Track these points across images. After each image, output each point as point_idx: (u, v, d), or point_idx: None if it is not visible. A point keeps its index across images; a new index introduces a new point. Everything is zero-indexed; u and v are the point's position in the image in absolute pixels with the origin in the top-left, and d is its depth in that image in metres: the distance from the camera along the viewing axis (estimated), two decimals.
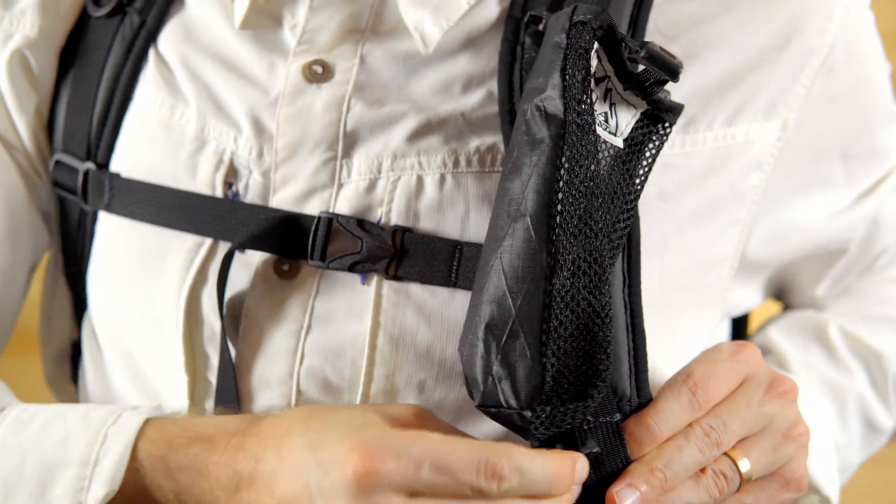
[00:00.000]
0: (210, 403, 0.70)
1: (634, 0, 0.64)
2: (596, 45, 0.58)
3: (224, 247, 0.68)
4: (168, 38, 0.72)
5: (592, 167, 0.57)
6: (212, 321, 0.69)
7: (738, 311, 0.81)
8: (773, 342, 0.81)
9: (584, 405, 0.57)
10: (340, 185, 0.66)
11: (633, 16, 0.64)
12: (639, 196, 0.59)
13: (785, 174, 0.70)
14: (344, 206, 0.65)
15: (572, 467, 0.56)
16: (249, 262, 0.68)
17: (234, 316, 0.68)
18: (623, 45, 0.58)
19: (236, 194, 0.68)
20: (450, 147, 0.64)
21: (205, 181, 0.69)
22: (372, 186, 0.65)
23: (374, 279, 0.65)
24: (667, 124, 0.59)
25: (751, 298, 0.80)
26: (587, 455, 0.58)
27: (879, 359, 0.81)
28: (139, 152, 0.72)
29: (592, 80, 0.58)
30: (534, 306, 0.56)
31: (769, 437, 0.63)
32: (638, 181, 0.59)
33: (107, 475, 0.59)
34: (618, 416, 0.60)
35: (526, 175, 0.57)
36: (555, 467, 0.56)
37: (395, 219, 0.65)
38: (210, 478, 0.58)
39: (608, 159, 0.58)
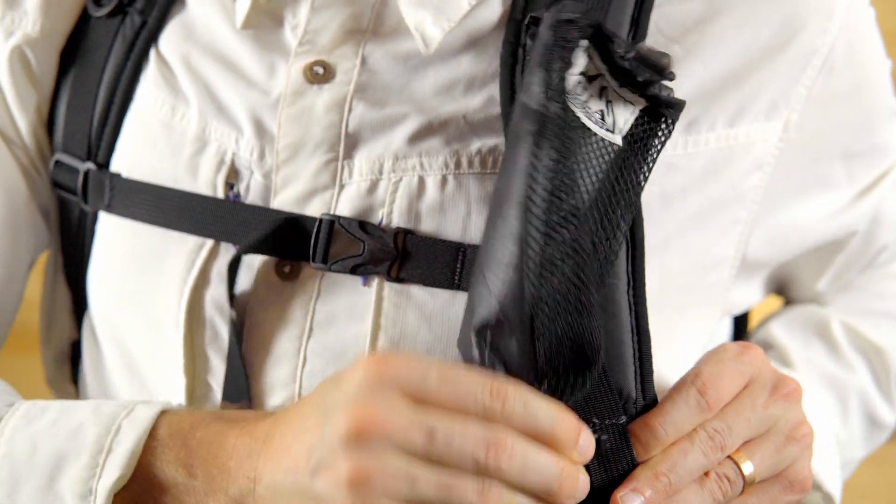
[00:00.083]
0: (209, 407, 0.70)
1: (636, 0, 0.64)
2: (586, 43, 0.59)
3: (226, 248, 0.68)
4: (169, 39, 0.72)
5: (579, 162, 0.57)
6: (213, 323, 0.69)
7: (738, 310, 0.81)
8: (775, 337, 0.82)
9: (581, 382, 0.57)
10: (342, 187, 0.66)
11: (635, 16, 0.64)
12: (640, 192, 0.59)
13: (786, 174, 0.70)
14: (345, 207, 0.65)
15: (577, 425, 0.56)
16: (251, 264, 0.68)
17: (238, 318, 0.68)
18: (612, 43, 0.58)
19: (237, 195, 0.68)
20: (451, 148, 0.64)
21: (206, 182, 0.68)
22: (373, 188, 0.65)
23: (376, 281, 0.65)
24: (669, 121, 0.59)
25: (751, 296, 0.80)
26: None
27: (881, 354, 0.81)
28: (140, 153, 0.72)
29: (584, 78, 0.59)
30: (515, 295, 0.56)
31: (773, 439, 0.63)
32: (641, 178, 0.59)
33: (120, 462, 0.59)
34: (623, 419, 0.60)
35: (508, 170, 0.58)
36: (559, 411, 0.56)
37: (397, 220, 0.64)
38: (227, 447, 0.59)
39: (607, 156, 0.58)
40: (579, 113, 0.58)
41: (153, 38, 0.72)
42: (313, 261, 0.65)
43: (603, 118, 0.59)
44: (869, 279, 0.83)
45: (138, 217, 0.71)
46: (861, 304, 0.83)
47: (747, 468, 0.62)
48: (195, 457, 0.59)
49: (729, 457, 0.62)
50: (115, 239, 0.73)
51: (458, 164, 0.64)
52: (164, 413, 0.62)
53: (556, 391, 0.57)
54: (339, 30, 0.66)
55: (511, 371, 0.56)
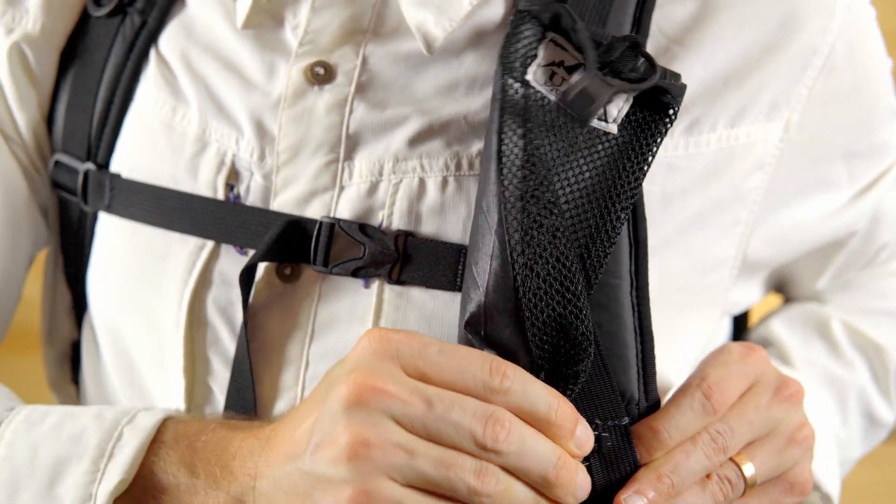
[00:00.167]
0: (209, 410, 0.70)
1: (637, 0, 0.64)
2: (551, 34, 0.59)
3: (227, 249, 0.68)
4: (169, 39, 0.71)
5: (562, 150, 0.57)
6: (214, 325, 0.68)
7: (738, 309, 0.81)
8: (775, 335, 0.82)
9: (575, 373, 0.57)
10: (342, 188, 0.66)
11: (636, 16, 0.64)
12: (642, 181, 0.59)
13: (787, 175, 0.70)
14: (345, 208, 0.65)
15: (574, 414, 0.56)
16: (251, 267, 0.67)
17: (238, 321, 0.68)
18: (571, 33, 0.59)
19: (238, 196, 0.68)
20: (452, 150, 0.64)
21: (206, 183, 0.68)
22: (373, 189, 0.65)
23: (376, 283, 0.65)
24: (671, 108, 0.59)
25: (751, 296, 0.80)
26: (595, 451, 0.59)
27: (881, 352, 0.82)
28: (140, 153, 0.72)
29: (562, 68, 0.59)
30: (500, 284, 0.57)
31: (774, 441, 0.63)
32: (644, 166, 0.59)
33: (121, 467, 0.60)
34: (626, 420, 0.60)
35: (484, 165, 0.59)
36: (557, 396, 0.56)
37: (397, 222, 0.64)
38: (231, 449, 0.59)
39: (601, 145, 0.58)
40: (556, 101, 0.58)
41: (153, 39, 0.72)
42: (314, 263, 0.65)
43: (571, 108, 0.59)
44: (869, 277, 0.83)
45: (138, 218, 0.71)
46: (861, 303, 0.83)
47: (748, 470, 0.62)
48: (199, 457, 0.60)
49: (730, 458, 0.62)
50: (114, 239, 0.73)
51: (458, 166, 0.64)
52: (168, 419, 0.62)
53: (553, 382, 0.57)
54: (339, 30, 0.66)
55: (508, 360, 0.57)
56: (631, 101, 0.59)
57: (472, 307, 0.58)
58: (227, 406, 0.67)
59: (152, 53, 0.72)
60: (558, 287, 0.57)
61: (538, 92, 0.58)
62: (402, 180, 0.65)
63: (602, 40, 0.59)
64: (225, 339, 0.68)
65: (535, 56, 0.59)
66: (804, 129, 0.68)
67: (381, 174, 0.65)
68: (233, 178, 0.68)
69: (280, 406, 0.67)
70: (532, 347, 0.57)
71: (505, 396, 0.55)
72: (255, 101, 0.68)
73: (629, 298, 0.61)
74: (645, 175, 0.58)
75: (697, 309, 0.70)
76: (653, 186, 0.64)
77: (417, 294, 0.64)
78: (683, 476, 0.60)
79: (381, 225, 0.65)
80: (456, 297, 0.63)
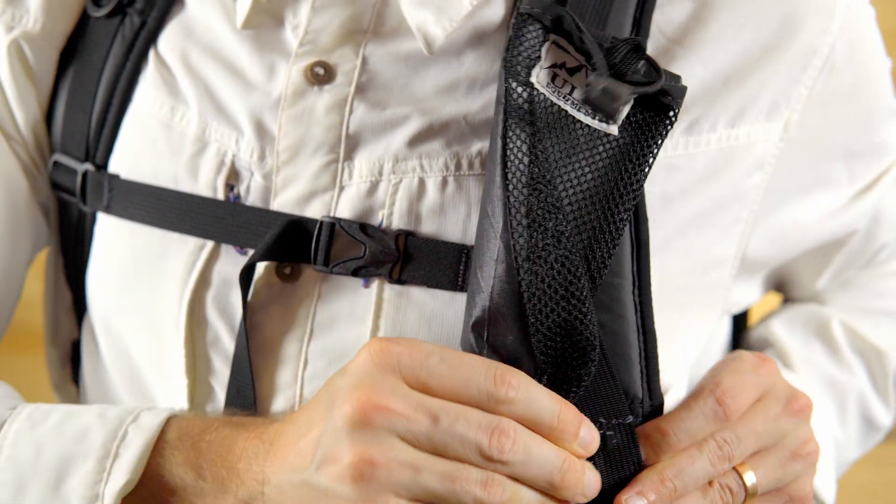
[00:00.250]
0: (210, 408, 0.70)
1: (637, 1, 0.64)
2: (553, 36, 0.59)
3: (226, 249, 0.68)
4: (168, 39, 0.71)
5: (565, 151, 0.58)
6: (214, 324, 0.68)
7: (737, 309, 0.81)
8: (776, 336, 0.82)
9: (579, 375, 0.57)
10: (342, 188, 0.66)
11: (636, 16, 0.64)
12: (643, 182, 0.59)
13: (787, 174, 0.70)
14: (345, 208, 0.65)
15: (578, 417, 0.56)
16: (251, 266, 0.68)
17: (241, 321, 0.68)
18: (572, 36, 0.59)
19: (238, 196, 0.68)
20: (452, 150, 0.64)
21: (206, 183, 0.68)
22: (373, 189, 0.65)
23: (376, 282, 0.65)
24: (671, 110, 0.59)
25: (751, 295, 0.80)
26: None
27: (880, 356, 0.82)
28: (139, 154, 0.72)
29: (565, 70, 0.59)
30: (505, 289, 0.57)
31: (779, 454, 0.64)
32: (645, 167, 0.59)
33: (127, 466, 0.60)
34: (630, 419, 0.60)
35: (489, 168, 0.59)
36: (560, 402, 0.56)
37: (397, 222, 0.64)
38: (236, 450, 0.59)
39: (602, 146, 0.58)
40: (560, 103, 0.58)
41: (152, 39, 0.72)
42: (315, 263, 0.65)
43: (594, 108, 0.59)
44: (869, 277, 0.84)
45: (137, 218, 0.71)
46: (861, 303, 0.83)
47: (749, 478, 0.62)
48: (204, 458, 0.60)
49: (733, 467, 0.62)
50: (114, 240, 0.73)
51: (458, 166, 0.64)
52: (171, 418, 0.62)
53: (556, 385, 0.57)
54: (339, 30, 0.66)
55: (510, 365, 0.57)
56: (631, 102, 0.59)
57: (476, 311, 0.58)
58: (228, 404, 0.67)
59: (151, 54, 0.72)
60: (563, 292, 0.57)
61: (541, 94, 0.59)
62: (402, 180, 0.65)
63: (602, 42, 0.59)
64: (225, 339, 0.68)
65: (539, 58, 0.59)
66: (804, 129, 0.68)
67: (380, 174, 0.65)
68: (233, 178, 0.68)
69: (279, 404, 0.67)
70: (536, 353, 0.57)
71: (509, 406, 0.55)
72: (255, 101, 0.68)
73: (632, 298, 0.62)
74: (647, 176, 0.58)
75: (697, 309, 0.70)
76: (653, 187, 0.64)
77: (417, 293, 0.64)
78: (686, 481, 0.60)
79: (381, 225, 0.65)
80: (456, 297, 0.63)
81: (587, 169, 0.58)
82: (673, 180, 0.65)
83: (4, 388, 0.69)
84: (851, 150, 0.73)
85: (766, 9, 0.66)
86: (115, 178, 0.72)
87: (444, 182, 0.64)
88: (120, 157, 0.72)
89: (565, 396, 0.57)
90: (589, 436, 0.57)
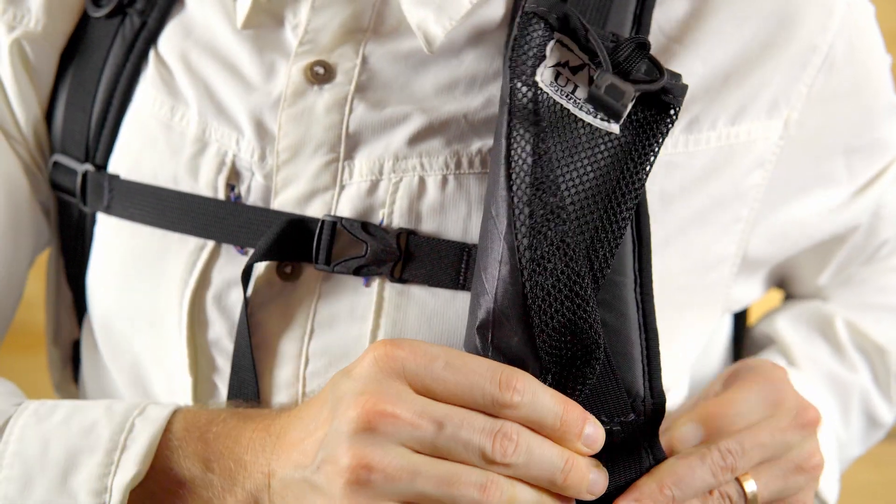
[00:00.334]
0: (214, 405, 0.70)
1: None
2: (558, 35, 0.59)
3: (227, 249, 0.68)
4: (168, 40, 0.72)
5: (567, 150, 0.58)
6: (215, 324, 0.68)
7: (739, 307, 0.81)
8: (780, 333, 0.82)
9: (584, 374, 0.57)
10: (342, 187, 0.66)
11: (637, 14, 0.64)
12: (645, 181, 0.59)
13: (787, 172, 0.70)
14: (346, 207, 0.65)
15: (581, 415, 0.56)
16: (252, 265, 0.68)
17: (239, 319, 0.68)
18: (577, 34, 0.59)
19: (238, 196, 0.68)
20: (452, 149, 0.64)
21: (207, 183, 0.68)
22: (374, 188, 0.65)
23: (377, 281, 0.65)
24: (672, 107, 0.59)
25: (752, 293, 0.80)
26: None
27: (882, 353, 0.82)
28: (139, 154, 0.72)
29: (567, 69, 0.59)
30: (510, 291, 0.57)
31: (782, 466, 0.64)
32: (647, 166, 0.59)
33: (135, 459, 0.60)
34: (632, 416, 0.60)
35: (493, 168, 0.59)
36: (563, 402, 0.56)
37: (398, 220, 0.65)
38: (243, 442, 0.59)
39: (603, 145, 0.58)
40: (563, 102, 0.58)
41: (152, 39, 0.72)
42: (316, 262, 0.65)
43: (596, 106, 0.59)
44: (871, 273, 0.84)
45: (138, 219, 0.71)
46: (863, 299, 0.84)
47: (750, 487, 0.62)
48: (212, 451, 0.60)
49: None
50: (114, 240, 0.73)
51: (458, 165, 0.64)
52: (177, 410, 0.62)
53: (560, 384, 0.57)
54: (339, 29, 0.66)
55: (515, 366, 0.57)
56: (633, 100, 0.59)
57: (481, 313, 0.58)
58: (231, 398, 0.67)
59: (151, 54, 0.72)
60: (567, 292, 0.57)
61: (545, 92, 0.59)
62: (403, 179, 0.65)
63: (604, 41, 0.59)
64: (227, 338, 0.68)
65: (544, 57, 0.59)
66: (804, 127, 0.68)
67: (381, 173, 0.65)
68: (233, 178, 0.68)
69: (280, 401, 0.67)
70: (541, 353, 0.57)
71: (514, 410, 0.55)
72: (255, 101, 0.68)
73: (633, 296, 0.61)
74: (648, 174, 0.58)
75: (698, 308, 0.70)
76: (653, 185, 0.64)
77: (418, 292, 0.64)
78: (685, 490, 0.60)
79: (381, 223, 0.65)
80: (457, 295, 0.64)
81: (589, 168, 0.58)
82: (673, 178, 0.65)
83: (7, 385, 0.69)
84: (852, 148, 0.73)
85: (765, 6, 0.66)
86: (115, 178, 0.72)
87: (445, 181, 0.64)
88: (120, 157, 0.72)
89: (570, 395, 0.57)
90: (594, 434, 0.57)
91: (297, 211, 0.66)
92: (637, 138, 0.58)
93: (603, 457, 0.59)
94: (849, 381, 0.81)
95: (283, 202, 0.66)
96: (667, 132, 0.59)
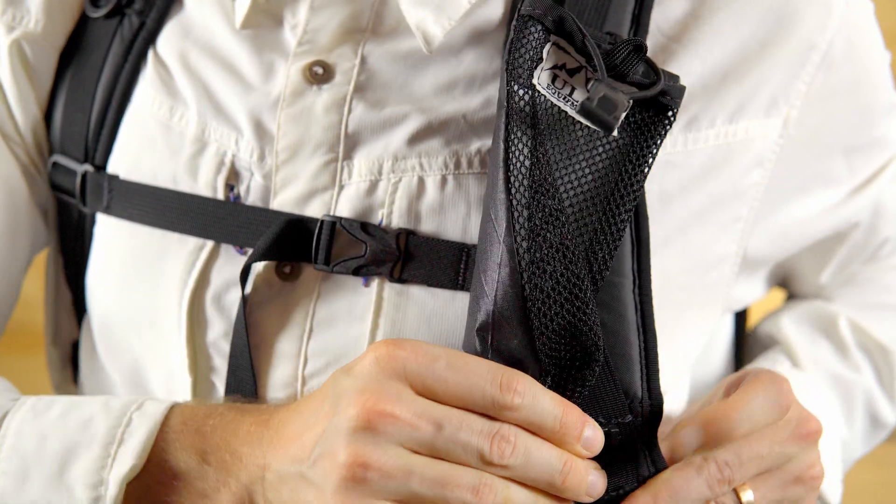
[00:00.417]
0: (215, 402, 0.70)
1: None
2: (554, 37, 0.59)
3: (226, 249, 0.68)
4: (167, 40, 0.72)
5: (565, 152, 0.58)
6: (214, 324, 0.68)
7: (740, 306, 0.81)
8: (784, 334, 0.82)
9: (583, 376, 0.57)
10: (341, 187, 0.66)
11: (636, 13, 0.64)
12: (643, 182, 0.59)
13: (787, 171, 0.70)
14: (345, 207, 0.65)
15: (581, 418, 0.56)
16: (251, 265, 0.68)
17: (237, 318, 0.68)
18: (573, 37, 0.59)
19: (237, 196, 0.68)
20: (451, 149, 0.64)
21: (206, 183, 0.68)
22: (373, 188, 0.65)
23: (376, 281, 0.65)
24: (670, 109, 0.59)
25: (754, 292, 0.80)
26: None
27: (886, 354, 0.82)
28: (138, 154, 0.72)
29: (564, 71, 0.59)
30: (510, 294, 0.57)
31: (781, 476, 0.63)
32: (645, 167, 0.59)
33: (132, 452, 0.60)
34: (629, 418, 0.60)
35: (491, 170, 0.59)
36: (562, 405, 0.56)
37: (397, 220, 0.64)
38: (240, 434, 0.59)
39: (601, 146, 0.58)
40: (560, 104, 0.58)
41: (151, 39, 0.72)
42: (315, 262, 0.65)
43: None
44: (874, 271, 0.84)
45: (137, 219, 0.71)
46: (866, 299, 0.84)
47: (747, 497, 0.62)
48: (208, 443, 0.60)
49: None
50: (113, 241, 0.73)
51: (457, 165, 0.64)
52: (175, 405, 0.62)
53: (560, 387, 0.57)
54: (338, 29, 0.66)
55: (514, 368, 0.57)
56: (631, 103, 0.59)
57: (481, 316, 0.58)
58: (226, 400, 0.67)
59: (150, 54, 0.72)
60: (567, 294, 0.57)
61: (542, 95, 0.59)
62: (402, 179, 0.65)
63: (601, 42, 0.59)
64: (225, 338, 0.68)
65: (541, 60, 0.59)
66: (803, 126, 0.68)
67: (380, 173, 0.65)
68: (233, 178, 0.68)
69: (278, 401, 0.66)
70: (541, 355, 0.57)
71: (514, 412, 0.55)
72: (254, 101, 0.68)
73: (632, 296, 0.61)
74: (646, 176, 0.58)
75: (698, 308, 0.70)
76: (651, 185, 0.64)
77: (417, 292, 0.64)
78: (681, 503, 0.60)
79: (381, 224, 0.65)
80: (456, 296, 0.64)
81: (587, 170, 0.58)
82: (671, 178, 0.65)
83: (3, 382, 0.69)
84: (851, 146, 0.73)
85: (764, 4, 0.66)
86: (115, 178, 0.72)
87: (444, 181, 0.64)
88: (119, 157, 0.72)
89: (569, 397, 0.57)
90: (593, 437, 0.57)
91: (297, 211, 0.66)
92: (635, 140, 0.58)
93: (601, 460, 0.59)
94: (852, 382, 0.81)
95: (283, 202, 0.66)
96: (665, 134, 0.59)
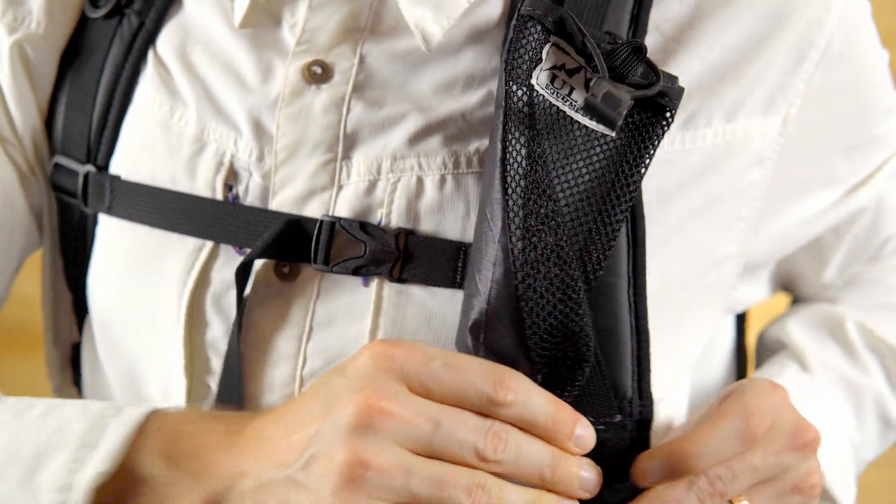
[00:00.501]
0: (207, 407, 0.70)
1: None
2: (554, 38, 0.59)
3: (226, 249, 0.68)
4: (167, 40, 0.72)
5: (563, 153, 0.58)
6: (213, 325, 0.69)
7: (743, 307, 0.82)
8: (791, 337, 0.82)
9: (574, 376, 0.58)
10: (340, 187, 0.66)
11: (634, 13, 0.64)
12: (640, 183, 0.59)
13: (788, 170, 0.69)
14: (343, 207, 0.65)
15: (572, 416, 0.57)
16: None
17: (235, 318, 0.68)
18: (573, 38, 0.59)
19: (236, 197, 0.68)
20: (450, 148, 0.64)
21: (205, 184, 0.68)
22: (371, 188, 0.65)
23: (375, 281, 0.65)
24: (668, 110, 0.59)
25: (757, 293, 0.80)
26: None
27: (895, 354, 0.81)
28: (139, 154, 0.72)
29: (563, 71, 0.59)
30: (503, 293, 0.57)
31: (777, 487, 0.63)
32: (642, 168, 0.59)
33: (103, 457, 0.58)
34: (618, 417, 0.61)
35: (487, 169, 0.59)
36: (554, 403, 0.56)
37: (396, 220, 0.65)
38: (212, 442, 0.58)
39: (599, 147, 0.58)
40: (559, 104, 0.58)
41: (151, 40, 0.72)
42: (315, 262, 0.65)
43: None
44: (878, 271, 0.84)
45: (138, 219, 0.71)
46: (872, 300, 0.83)
47: None
48: (178, 448, 0.58)
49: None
50: (114, 241, 0.73)
51: (456, 164, 0.64)
52: (153, 412, 0.61)
53: (551, 385, 0.57)
54: (337, 28, 0.66)
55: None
56: (632, 101, 0.59)
57: (474, 314, 0.58)
58: (218, 400, 0.67)
59: (150, 54, 0.72)
60: (560, 295, 0.57)
61: (540, 95, 0.59)
62: (401, 179, 0.65)
63: (600, 42, 0.59)
64: (224, 339, 0.68)
65: (540, 60, 0.59)
66: (803, 124, 0.68)
67: (379, 173, 0.65)
68: (231, 178, 0.68)
69: (275, 401, 0.66)
70: (532, 355, 0.57)
71: (508, 409, 0.55)
72: (253, 101, 0.68)
73: (626, 297, 0.62)
74: (643, 177, 0.59)
75: (698, 308, 0.70)
76: (649, 183, 0.64)
77: (417, 292, 0.64)
78: None
79: (379, 223, 0.65)
80: (455, 295, 0.63)
81: (584, 170, 0.58)
82: (670, 176, 0.65)
83: None
84: (852, 145, 0.73)
85: (762, 3, 0.66)
86: (117, 179, 0.72)
87: (443, 180, 0.64)
88: (121, 158, 0.73)
89: (560, 396, 0.58)
90: (585, 434, 0.57)
91: (295, 211, 0.66)
92: (633, 140, 0.58)
93: (592, 456, 0.59)
94: (862, 384, 0.81)
95: (281, 202, 0.66)
96: (662, 135, 0.59)
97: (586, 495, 0.58)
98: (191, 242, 0.69)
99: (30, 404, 0.63)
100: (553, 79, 0.59)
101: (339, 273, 0.65)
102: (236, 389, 0.66)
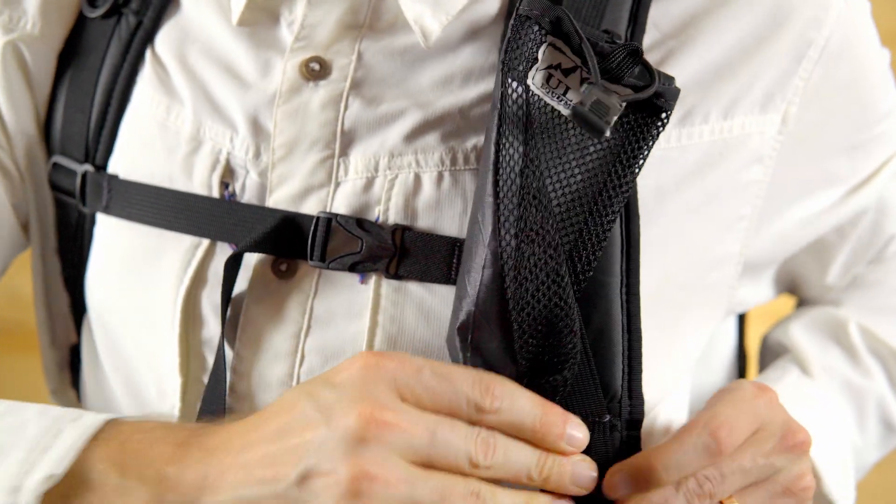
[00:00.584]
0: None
1: None
2: (550, 38, 0.59)
3: (222, 247, 0.68)
4: (164, 39, 0.72)
5: (556, 152, 0.58)
6: (209, 323, 0.68)
7: (744, 308, 0.81)
8: (793, 341, 0.82)
9: (560, 380, 0.58)
10: (337, 184, 0.66)
11: (633, 11, 0.64)
12: (633, 183, 0.59)
13: (789, 170, 0.69)
14: (341, 204, 0.65)
15: (561, 418, 0.57)
16: (247, 262, 0.67)
17: (232, 317, 0.68)
18: (570, 39, 0.59)
19: (233, 194, 0.68)
20: (447, 145, 0.64)
21: (201, 182, 0.68)
22: (369, 185, 0.65)
23: (373, 278, 0.64)
24: (663, 111, 0.59)
25: (761, 294, 0.80)
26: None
27: None
28: (137, 153, 0.72)
29: (559, 71, 0.59)
30: (491, 297, 0.57)
31: (768, 489, 0.63)
32: (635, 168, 0.59)
33: (53, 459, 0.57)
34: (607, 417, 0.61)
35: (481, 169, 0.59)
36: (542, 405, 0.57)
37: (393, 217, 0.64)
38: (165, 453, 0.57)
39: (592, 147, 0.58)
40: (553, 103, 0.59)
41: (149, 39, 0.72)
42: (311, 259, 0.65)
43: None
44: (881, 273, 0.83)
45: (135, 218, 0.71)
46: (875, 302, 0.83)
47: None
48: (129, 457, 0.57)
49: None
50: (112, 240, 0.73)
51: (453, 161, 0.64)
52: (112, 420, 0.60)
53: (538, 387, 0.57)
54: (335, 25, 0.66)
55: (492, 370, 0.58)
56: (623, 102, 0.59)
57: (462, 315, 0.58)
58: (205, 398, 0.66)
59: (148, 54, 0.72)
60: (546, 302, 0.57)
61: (535, 95, 0.59)
62: (398, 176, 0.65)
63: (598, 41, 0.59)
64: (219, 337, 0.68)
65: (536, 60, 0.59)
66: (803, 122, 0.68)
67: (376, 170, 0.65)
68: (227, 176, 0.68)
69: (271, 399, 0.66)
70: (519, 357, 0.58)
71: (495, 415, 0.56)
72: (251, 98, 0.68)
73: (619, 296, 0.62)
74: (635, 178, 0.59)
75: (698, 308, 0.70)
76: (646, 180, 0.64)
77: (415, 289, 0.64)
78: None
79: (377, 220, 0.65)
80: (452, 293, 0.63)
81: (577, 170, 0.58)
82: (667, 173, 0.65)
83: None
84: (853, 145, 0.73)
85: (761, 1, 0.66)
86: (115, 178, 0.72)
87: (440, 177, 0.64)
88: (119, 157, 0.73)
89: (548, 397, 0.58)
90: (577, 433, 0.58)
91: (293, 208, 0.66)
92: (626, 141, 0.58)
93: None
94: (864, 388, 0.81)
95: (278, 200, 0.66)
96: (657, 135, 0.59)
97: (583, 491, 0.58)
98: (187, 240, 0.69)
99: None
100: (549, 78, 0.59)
101: (335, 269, 0.65)
102: (221, 394, 0.65)
